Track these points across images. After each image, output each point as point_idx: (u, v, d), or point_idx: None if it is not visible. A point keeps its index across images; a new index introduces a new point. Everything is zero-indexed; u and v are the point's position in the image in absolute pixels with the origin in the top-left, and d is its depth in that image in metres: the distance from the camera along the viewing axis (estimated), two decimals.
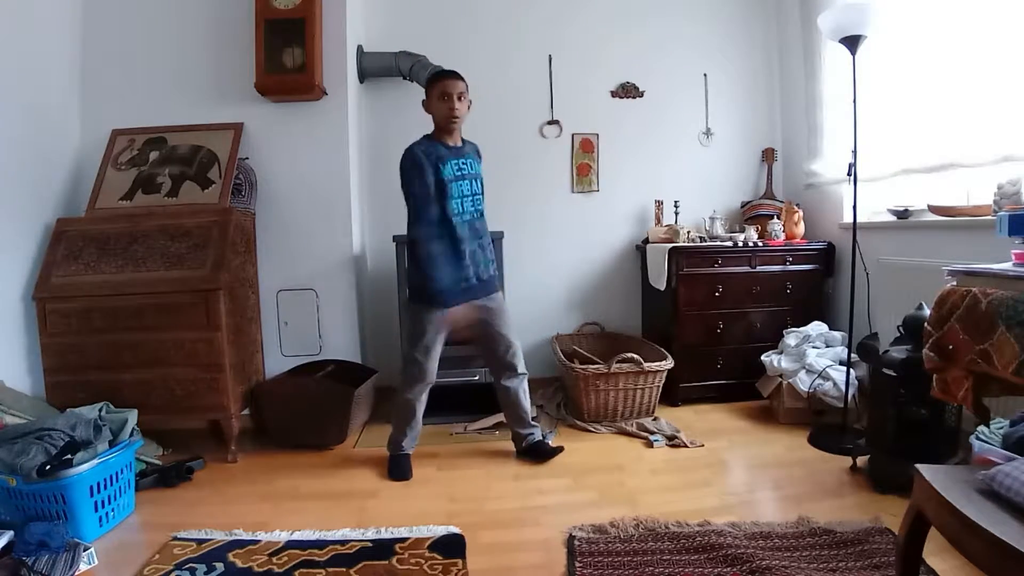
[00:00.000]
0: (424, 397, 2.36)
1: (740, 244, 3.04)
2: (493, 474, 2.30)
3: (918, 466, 1.25)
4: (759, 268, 3.06)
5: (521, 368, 2.40)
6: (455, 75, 2.20)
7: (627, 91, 3.50)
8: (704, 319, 3.02)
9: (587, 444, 2.59)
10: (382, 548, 1.74)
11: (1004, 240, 1.47)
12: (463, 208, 2.21)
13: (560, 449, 2.40)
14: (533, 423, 2.47)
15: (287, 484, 2.25)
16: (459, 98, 2.18)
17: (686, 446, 2.50)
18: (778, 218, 3.23)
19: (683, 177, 3.52)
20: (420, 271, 2.20)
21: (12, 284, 2.43)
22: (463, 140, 2.31)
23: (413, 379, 2.30)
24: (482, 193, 2.32)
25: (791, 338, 2.84)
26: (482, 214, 2.32)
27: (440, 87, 2.18)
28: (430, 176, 2.15)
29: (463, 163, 2.23)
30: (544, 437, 2.47)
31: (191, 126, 2.84)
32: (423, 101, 2.25)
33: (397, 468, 2.31)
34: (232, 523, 1.91)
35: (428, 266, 2.16)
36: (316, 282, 2.97)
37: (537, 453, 2.39)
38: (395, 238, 2.84)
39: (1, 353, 2.34)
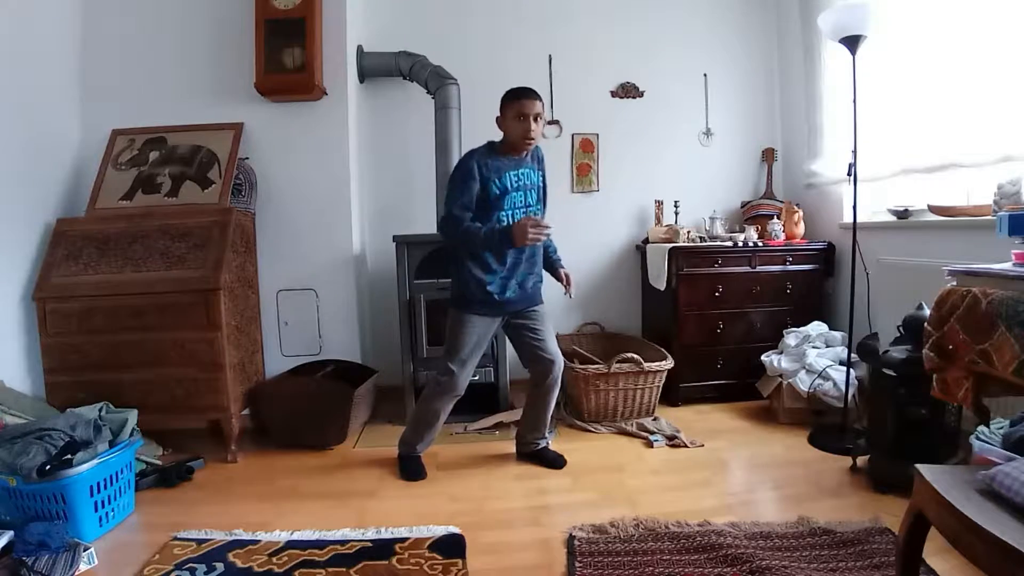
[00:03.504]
0: (450, 407, 2.32)
1: (740, 244, 3.04)
2: (493, 474, 2.30)
3: (918, 466, 1.25)
4: (759, 268, 3.06)
5: (559, 376, 2.34)
6: (534, 94, 2.10)
7: (627, 91, 3.50)
8: (704, 319, 3.02)
9: (587, 444, 2.59)
10: (382, 548, 1.74)
11: (1004, 240, 1.47)
12: (512, 221, 2.14)
13: (565, 462, 2.36)
14: (547, 432, 2.45)
15: (287, 484, 2.25)
16: (535, 119, 2.09)
17: (686, 446, 2.50)
18: (778, 218, 3.23)
19: (683, 177, 3.52)
20: (457, 277, 2.20)
21: (12, 284, 2.43)
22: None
23: (444, 389, 2.24)
24: (541, 203, 2.26)
25: (791, 338, 2.85)
26: None
27: (517, 107, 2.08)
28: (472, 193, 2.09)
29: (522, 174, 2.17)
30: (545, 437, 2.46)
31: (191, 126, 2.84)
32: (497, 118, 2.16)
33: (412, 469, 2.30)
34: (232, 523, 1.91)
35: (461, 272, 2.17)
36: (316, 282, 2.97)
37: (543, 461, 2.38)
38: (395, 238, 2.84)
39: (1, 353, 2.34)
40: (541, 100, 2.12)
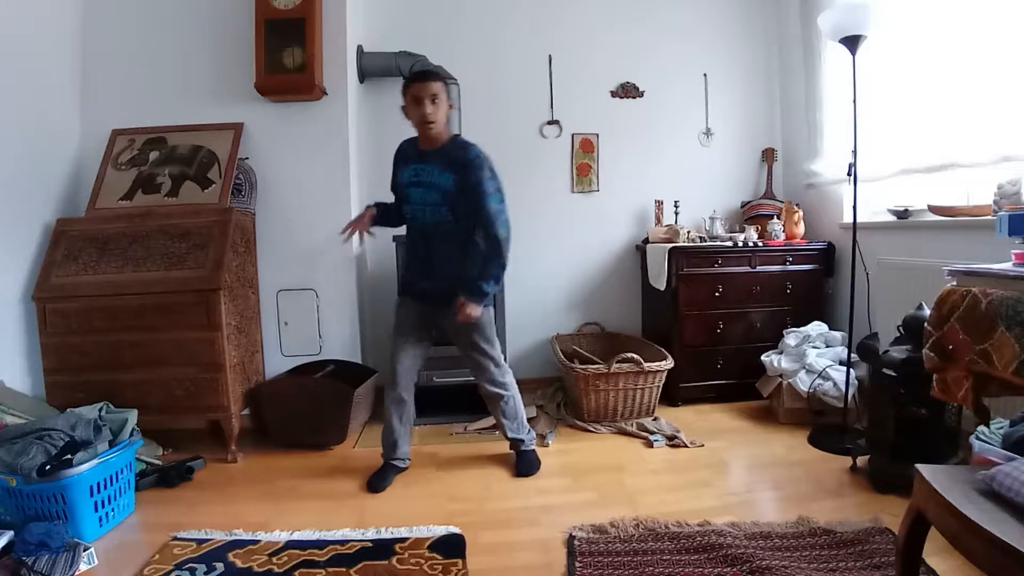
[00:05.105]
0: (396, 411, 2.22)
1: (740, 244, 3.04)
2: (493, 474, 2.30)
3: (918, 466, 1.25)
4: (759, 268, 3.06)
5: (493, 388, 2.27)
6: (428, 76, 2.02)
7: (627, 91, 3.50)
8: (704, 319, 3.02)
9: (587, 444, 2.59)
10: (382, 548, 1.74)
11: (1004, 240, 1.47)
12: (416, 216, 2.14)
13: (535, 470, 2.28)
14: (517, 436, 2.34)
15: (287, 484, 2.25)
16: (432, 101, 1.99)
17: (686, 446, 2.50)
18: (778, 218, 3.23)
19: (683, 177, 3.52)
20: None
21: (12, 284, 2.43)
22: (447, 146, 2.09)
23: (387, 383, 2.21)
24: (446, 205, 2.05)
25: (791, 338, 2.84)
26: (439, 225, 2.09)
27: (412, 91, 2.01)
28: (393, 177, 2.24)
29: (422, 169, 2.08)
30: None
31: (191, 126, 2.84)
32: (402, 107, 2.09)
33: (375, 476, 2.21)
34: (232, 523, 1.91)
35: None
36: (316, 282, 2.96)
37: (517, 464, 2.31)
38: (395, 238, 2.84)
39: (1, 353, 2.33)
40: (439, 80, 2.03)
